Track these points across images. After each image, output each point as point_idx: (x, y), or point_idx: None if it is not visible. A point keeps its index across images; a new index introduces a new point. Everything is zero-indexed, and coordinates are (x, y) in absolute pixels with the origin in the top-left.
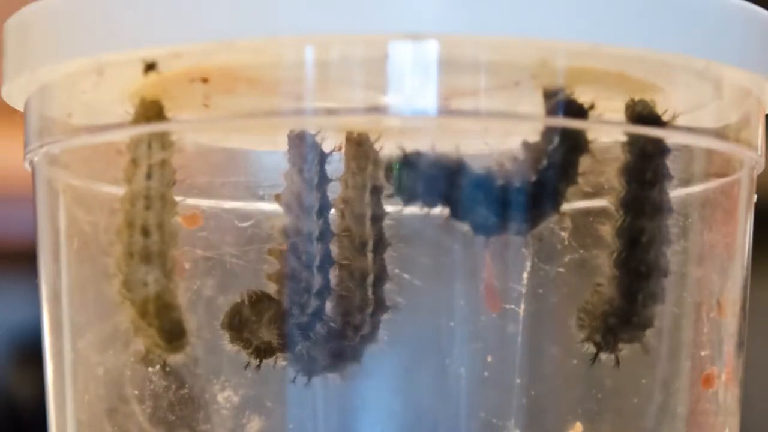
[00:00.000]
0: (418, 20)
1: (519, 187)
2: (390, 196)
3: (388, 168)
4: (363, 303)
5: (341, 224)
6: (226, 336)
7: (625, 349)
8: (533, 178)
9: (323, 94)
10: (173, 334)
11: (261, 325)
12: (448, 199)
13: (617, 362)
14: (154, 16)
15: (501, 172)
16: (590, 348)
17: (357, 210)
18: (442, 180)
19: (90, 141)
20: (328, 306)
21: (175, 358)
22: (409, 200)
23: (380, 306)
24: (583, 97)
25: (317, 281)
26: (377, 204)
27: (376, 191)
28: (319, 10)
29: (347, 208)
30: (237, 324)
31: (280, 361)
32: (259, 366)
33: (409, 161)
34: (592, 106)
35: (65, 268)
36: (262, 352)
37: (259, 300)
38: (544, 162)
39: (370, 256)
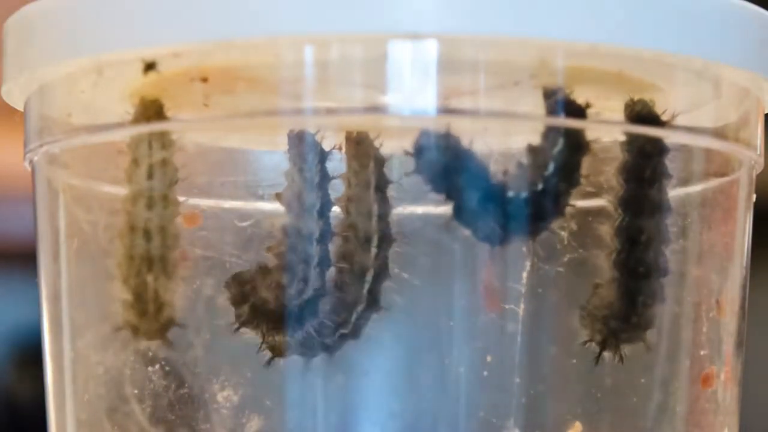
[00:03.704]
0: (418, 20)
1: (525, 193)
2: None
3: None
4: (356, 299)
5: (346, 220)
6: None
7: (627, 348)
8: (538, 183)
9: (323, 94)
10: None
11: (261, 287)
12: (452, 200)
13: (621, 360)
14: (153, 16)
15: (506, 179)
16: (593, 348)
17: (362, 207)
18: (453, 179)
19: (90, 140)
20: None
21: (168, 352)
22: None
23: (373, 304)
24: (582, 97)
25: (315, 277)
26: (382, 200)
27: (380, 188)
28: (318, 10)
29: (351, 205)
30: (241, 284)
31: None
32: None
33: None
34: (588, 105)
35: (65, 268)
36: (255, 313)
37: (263, 271)
38: (549, 166)
39: (374, 251)
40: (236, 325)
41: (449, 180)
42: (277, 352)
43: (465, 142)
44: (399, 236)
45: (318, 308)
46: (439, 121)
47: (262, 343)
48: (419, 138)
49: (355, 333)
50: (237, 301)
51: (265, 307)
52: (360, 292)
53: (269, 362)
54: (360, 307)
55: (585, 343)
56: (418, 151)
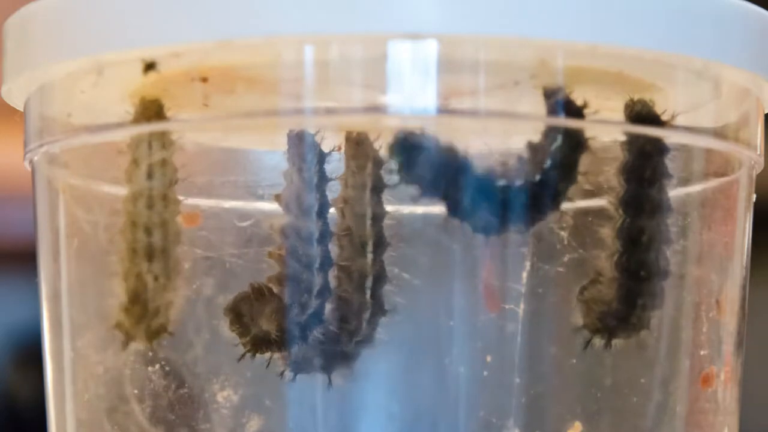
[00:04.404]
0: (418, 20)
1: (521, 186)
2: (393, 174)
3: (391, 148)
4: (361, 306)
5: (341, 224)
6: (225, 321)
7: (622, 346)
8: (535, 178)
9: (322, 94)
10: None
11: (261, 316)
12: (447, 197)
13: (609, 346)
14: (153, 16)
15: (503, 172)
16: (586, 335)
17: (357, 209)
18: (443, 177)
19: (90, 140)
20: (327, 308)
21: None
22: (410, 181)
23: (378, 309)
24: (581, 97)
25: (317, 282)
26: (378, 203)
27: (377, 190)
28: (318, 10)
29: (347, 207)
30: (239, 310)
31: (276, 357)
32: (246, 355)
33: (410, 144)
34: (585, 105)
35: (65, 268)
36: (259, 343)
37: (261, 293)
38: (547, 161)
39: (369, 256)
40: (245, 350)
41: (441, 184)
42: (297, 369)
43: (443, 140)
44: (399, 237)
45: (324, 320)
46: (439, 120)
47: (272, 359)
48: (397, 145)
49: (367, 340)
50: (241, 332)
51: (268, 331)
52: (363, 298)
53: (294, 378)
54: (366, 314)
55: (579, 329)
56: (405, 164)
